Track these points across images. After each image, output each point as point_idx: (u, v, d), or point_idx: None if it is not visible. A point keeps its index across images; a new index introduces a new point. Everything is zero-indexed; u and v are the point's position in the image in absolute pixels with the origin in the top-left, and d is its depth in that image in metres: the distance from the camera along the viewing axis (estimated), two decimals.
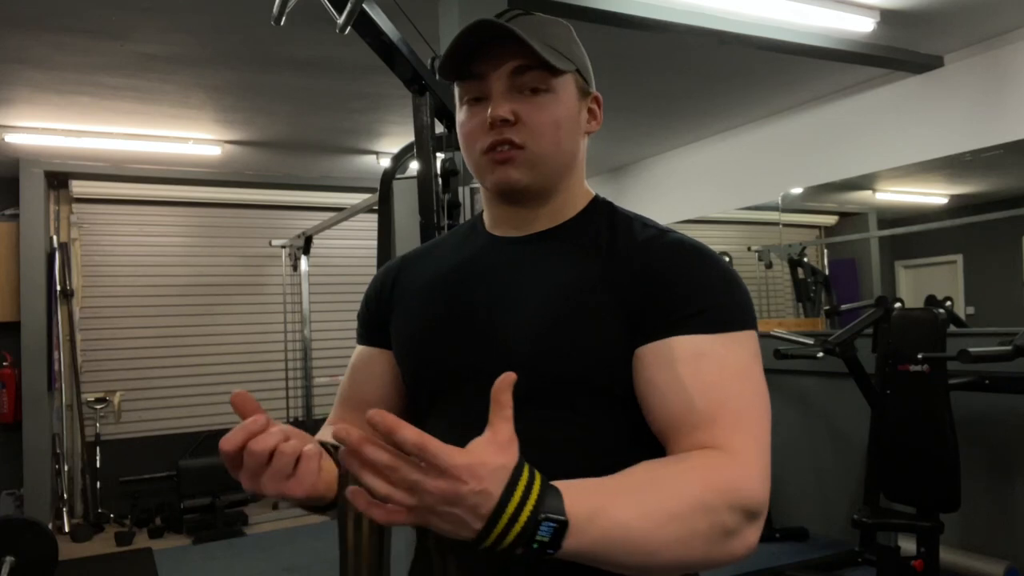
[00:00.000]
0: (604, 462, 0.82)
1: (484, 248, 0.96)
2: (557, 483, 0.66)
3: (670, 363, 0.78)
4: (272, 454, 0.70)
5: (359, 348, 1.04)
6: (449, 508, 0.60)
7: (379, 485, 0.60)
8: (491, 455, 0.62)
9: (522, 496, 0.62)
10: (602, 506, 0.66)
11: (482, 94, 0.87)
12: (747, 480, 0.73)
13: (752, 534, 0.73)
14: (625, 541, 0.66)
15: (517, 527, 0.62)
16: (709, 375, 0.77)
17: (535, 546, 0.63)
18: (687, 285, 0.82)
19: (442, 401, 0.92)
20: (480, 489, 0.60)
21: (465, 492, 0.60)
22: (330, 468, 0.80)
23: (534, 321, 0.86)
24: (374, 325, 1.02)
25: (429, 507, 0.61)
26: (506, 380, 0.64)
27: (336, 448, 0.81)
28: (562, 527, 0.63)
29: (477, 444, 0.63)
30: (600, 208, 0.95)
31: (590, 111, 0.93)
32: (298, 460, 0.72)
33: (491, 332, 0.88)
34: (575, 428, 0.84)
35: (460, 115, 0.90)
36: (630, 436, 0.84)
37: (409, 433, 0.58)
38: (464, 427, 0.87)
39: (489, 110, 0.85)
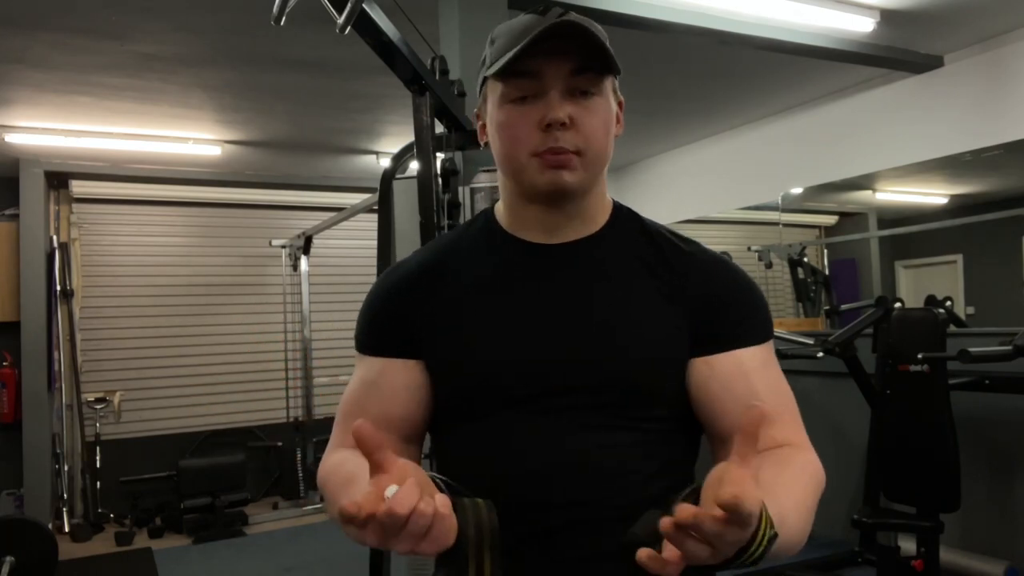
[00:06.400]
0: (658, 465, 0.90)
1: (520, 255, 0.94)
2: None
3: (744, 374, 0.90)
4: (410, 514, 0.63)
5: (372, 361, 0.96)
6: (731, 549, 0.64)
7: (702, 551, 0.63)
8: (755, 490, 0.64)
9: (766, 520, 0.66)
10: (781, 513, 0.72)
11: (531, 93, 0.85)
12: (820, 467, 0.88)
13: None
14: (789, 537, 0.74)
15: (759, 550, 0.66)
16: (772, 380, 0.92)
17: (758, 558, 0.68)
18: (745, 302, 0.94)
19: (494, 416, 0.89)
20: (755, 525, 0.65)
21: (749, 535, 0.64)
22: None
23: (595, 333, 0.89)
24: (393, 334, 0.94)
25: (720, 554, 0.64)
26: (758, 415, 0.65)
27: (444, 482, 0.76)
28: (775, 538, 0.68)
29: (741, 479, 0.63)
30: (627, 216, 0.98)
31: (616, 115, 0.93)
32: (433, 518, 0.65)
33: (548, 345, 0.89)
34: (633, 434, 0.88)
35: (500, 114, 0.88)
36: (678, 440, 0.93)
37: (752, 502, 0.60)
38: (522, 440, 0.89)
39: (547, 112, 0.84)
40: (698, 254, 0.94)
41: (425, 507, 0.63)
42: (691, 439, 0.94)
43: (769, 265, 5.16)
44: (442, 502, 0.66)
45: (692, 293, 0.91)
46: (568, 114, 0.84)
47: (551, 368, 0.88)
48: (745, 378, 0.89)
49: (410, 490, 0.63)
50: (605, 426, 0.87)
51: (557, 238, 0.93)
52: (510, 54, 0.83)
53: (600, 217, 0.95)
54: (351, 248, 6.12)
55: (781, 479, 0.80)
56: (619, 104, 0.94)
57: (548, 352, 0.88)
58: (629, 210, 0.98)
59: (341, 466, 0.89)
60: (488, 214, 1.00)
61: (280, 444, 5.80)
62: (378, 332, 0.97)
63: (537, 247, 0.93)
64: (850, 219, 5.13)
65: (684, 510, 0.60)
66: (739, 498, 0.59)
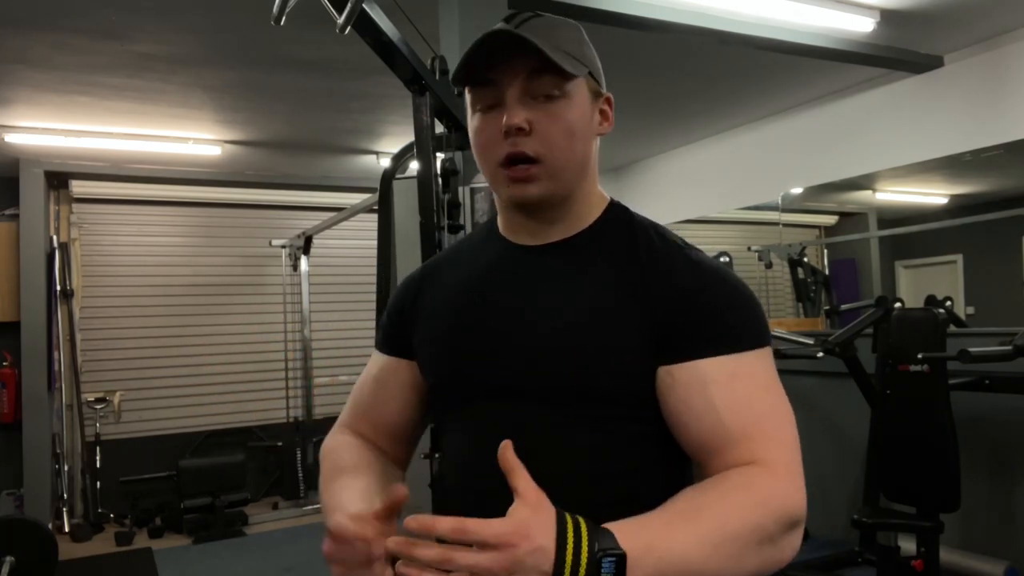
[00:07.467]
0: (620, 467, 0.86)
1: (503, 256, 0.95)
2: (607, 525, 0.69)
3: (703, 385, 0.81)
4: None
5: (378, 357, 1.03)
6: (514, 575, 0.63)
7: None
8: (527, 514, 0.64)
9: (575, 541, 0.65)
10: (657, 537, 0.69)
11: (496, 101, 0.86)
12: (786, 491, 0.77)
13: (796, 539, 0.77)
14: (684, 567, 0.69)
15: (582, 570, 0.64)
16: (741, 394, 0.81)
17: None
18: (714, 306, 0.84)
19: (461, 408, 0.93)
20: (534, 547, 0.63)
21: (521, 554, 0.62)
22: None
23: (554, 332, 0.87)
24: (396, 336, 1.01)
25: None
26: (506, 449, 0.69)
27: None
28: (622, 560, 0.65)
29: (511, 511, 0.65)
30: (617, 215, 0.95)
31: (602, 112, 0.93)
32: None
33: (510, 342, 0.89)
34: (593, 435, 0.85)
35: (473, 122, 0.90)
36: (646, 443, 0.87)
37: (444, 524, 0.62)
38: (481, 434, 0.89)
39: (504, 118, 0.84)
40: (676, 252, 0.89)
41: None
42: (669, 443, 0.86)
43: (769, 265, 5.16)
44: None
45: (657, 291, 0.85)
46: (526, 119, 0.84)
47: (498, 371, 0.89)
48: (704, 391, 0.81)
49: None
50: (557, 425, 0.85)
51: (542, 239, 0.93)
52: (457, 65, 0.86)
53: (589, 216, 0.93)
54: (351, 248, 6.12)
55: (692, 505, 0.75)
56: (606, 101, 0.93)
57: (497, 355, 0.89)
58: (623, 208, 0.96)
59: (337, 451, 0.99)
60: (493, 220, 1.02)
61: (280, 444, 5.80)
62: (384, 332, 1.04)
63: (520, 248, 0.94)
64: (850, 219, 5.13)
65: (392, 541, 0.64)
66: (414, 521, 0.61)
